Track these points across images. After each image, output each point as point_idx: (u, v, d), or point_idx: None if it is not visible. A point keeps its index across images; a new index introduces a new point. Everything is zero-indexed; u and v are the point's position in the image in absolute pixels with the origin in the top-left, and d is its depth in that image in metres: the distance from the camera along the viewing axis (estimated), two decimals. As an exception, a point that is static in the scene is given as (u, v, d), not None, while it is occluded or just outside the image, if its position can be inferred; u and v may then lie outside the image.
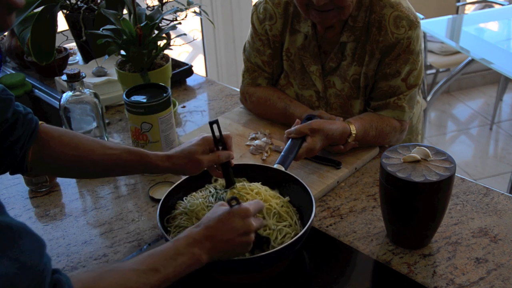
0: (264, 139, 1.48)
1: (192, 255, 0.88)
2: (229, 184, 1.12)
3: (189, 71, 1.92)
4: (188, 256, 0.87)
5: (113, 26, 1.47)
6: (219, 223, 0.91)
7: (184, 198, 1.15)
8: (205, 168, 1.13)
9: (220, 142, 1.12)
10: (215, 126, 1.10)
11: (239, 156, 1.44)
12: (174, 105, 1.67)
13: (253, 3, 1.55)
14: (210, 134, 1.11)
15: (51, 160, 1.07)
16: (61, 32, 2.03)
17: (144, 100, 1.32)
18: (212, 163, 1.12)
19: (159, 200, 1.11)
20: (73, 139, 1.09)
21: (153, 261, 0.85)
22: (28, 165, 1.05)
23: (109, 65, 1.78)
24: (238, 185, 1.12)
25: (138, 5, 1.59)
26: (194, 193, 1.15)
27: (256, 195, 1.08)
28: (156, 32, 1.51)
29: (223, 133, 1.12)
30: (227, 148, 1.13)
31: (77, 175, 1.28)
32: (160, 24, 1.63)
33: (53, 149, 1.06)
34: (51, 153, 1.06)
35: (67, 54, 1.99)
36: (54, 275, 0.73)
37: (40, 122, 1.06)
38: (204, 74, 3.24)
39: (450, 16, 3.24)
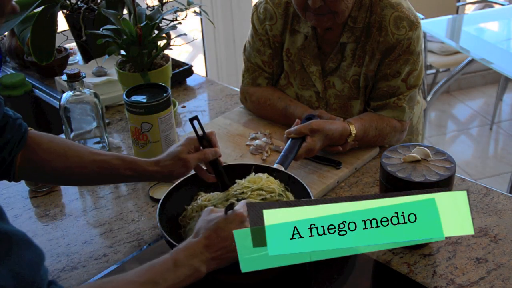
0: (264, 139, 1.48)
1: (191, 266, 0.87)
2: (224, 186, 1.12)
3: (189, 71, 1.92)
4: (187, 268, 0.87)
5: (113, 26, 1.48)
6: (217, 231, 0.90)
7: (199, 199, 1.14)
8: (193, 168, 1.12)
9: (204, 139, 1.12)
10: (195, 122, 1.10)
11: (239, 156, 1.44)
12: (174, 105, 1.67)
13: (253, 3, 1.55)
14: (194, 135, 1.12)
15: (39, 168, 1.05)
16: (61, 32, 2.03)
17: (144, 100, 1.32)
18: (198, 161, 1.12)
19: (159, 200, 1.11)
20: (62, 146, 1.07)
21: (152, 274, 0.84)
22: (15, 172, 1.03)
23: (109, 65, 1.78)
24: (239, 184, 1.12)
25: (138, 5, 1.59)
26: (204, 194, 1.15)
27: (257, 192, 1.09)
28: (156, 32, 1.51)
29: (207, 130, 1.12)
30: (212, 146, 1.13)
31: (66, 183, 1.25)
32: (160, 24, 1.63)
33: (41, 156, 1.04)
34: (39, 160, 1.04)
35: (67, 54, 1.98)
36: (49, 287, 0.72)
37: (29, 128, 1.04)
38: (204, 74, 3.24)
39: (450, 16, 3.24)
